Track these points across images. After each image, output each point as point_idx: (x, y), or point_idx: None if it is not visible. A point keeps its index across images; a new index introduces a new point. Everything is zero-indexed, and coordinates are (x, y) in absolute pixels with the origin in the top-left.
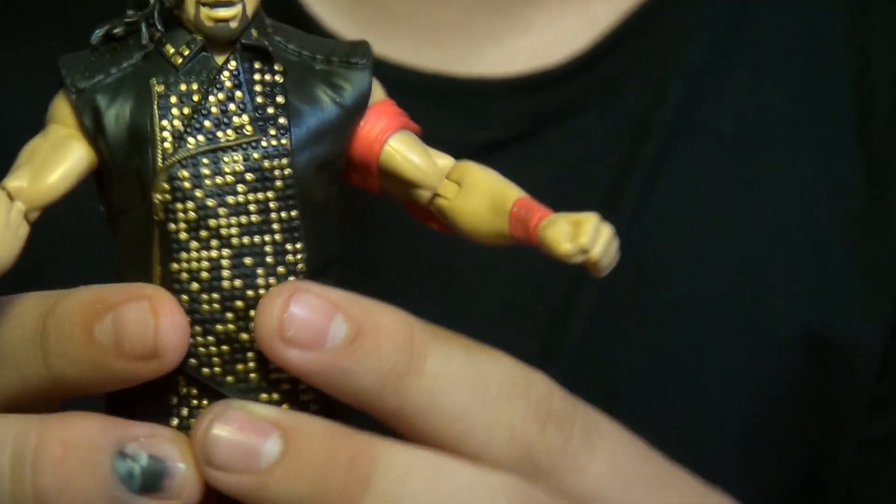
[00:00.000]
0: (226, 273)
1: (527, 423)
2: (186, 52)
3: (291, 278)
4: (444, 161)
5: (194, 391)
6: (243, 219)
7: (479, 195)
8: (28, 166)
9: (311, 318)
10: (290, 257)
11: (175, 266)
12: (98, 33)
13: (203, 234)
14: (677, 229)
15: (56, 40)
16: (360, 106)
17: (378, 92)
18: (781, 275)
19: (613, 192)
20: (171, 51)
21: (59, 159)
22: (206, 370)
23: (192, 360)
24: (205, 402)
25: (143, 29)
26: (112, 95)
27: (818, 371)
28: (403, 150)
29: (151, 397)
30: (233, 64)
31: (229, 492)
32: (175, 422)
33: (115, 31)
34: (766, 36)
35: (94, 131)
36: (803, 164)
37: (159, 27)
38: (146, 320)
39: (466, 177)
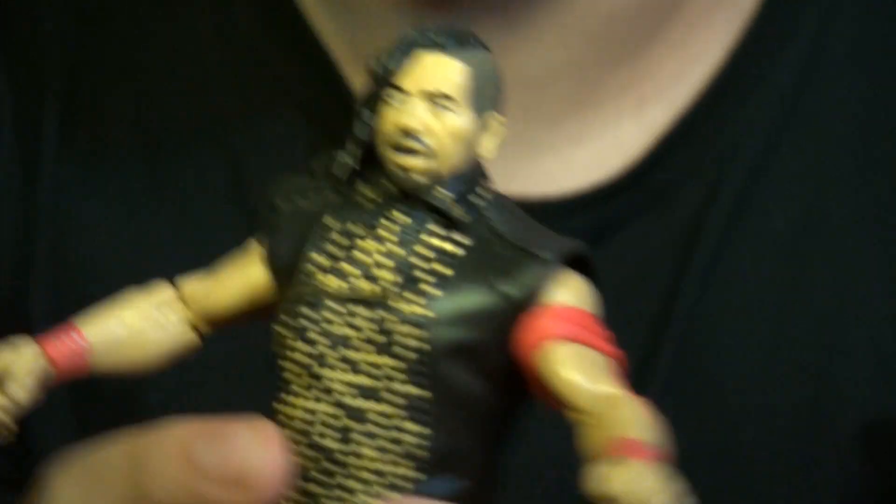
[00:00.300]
0: (325, 430)
1: None
2: (378, 200)
3: (407, 462)
4: (606, 388)
5: None
6: (361, 379)
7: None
8: (209, 275)
9: None
10: (409, 438)
11: (276, 405)
12: (343, 160)
13: (310, 381)
14: (735, 329)
15: (132, 159)
16: (526, 301)
17: (568, 296)
18: (845, 373)
19: (670, 295)
20: (366, 193)
21: (237, 275)
22: None
23: None
24: None
25: (341, 160)
26: (293, 220)
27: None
28: (554, 362)
29: None
30: (405, 219)
31: None
32: None
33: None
34: (819, 129)
35: (269, 250)
36: (861, 258)
37: (354, 165)
38: (255, 449)
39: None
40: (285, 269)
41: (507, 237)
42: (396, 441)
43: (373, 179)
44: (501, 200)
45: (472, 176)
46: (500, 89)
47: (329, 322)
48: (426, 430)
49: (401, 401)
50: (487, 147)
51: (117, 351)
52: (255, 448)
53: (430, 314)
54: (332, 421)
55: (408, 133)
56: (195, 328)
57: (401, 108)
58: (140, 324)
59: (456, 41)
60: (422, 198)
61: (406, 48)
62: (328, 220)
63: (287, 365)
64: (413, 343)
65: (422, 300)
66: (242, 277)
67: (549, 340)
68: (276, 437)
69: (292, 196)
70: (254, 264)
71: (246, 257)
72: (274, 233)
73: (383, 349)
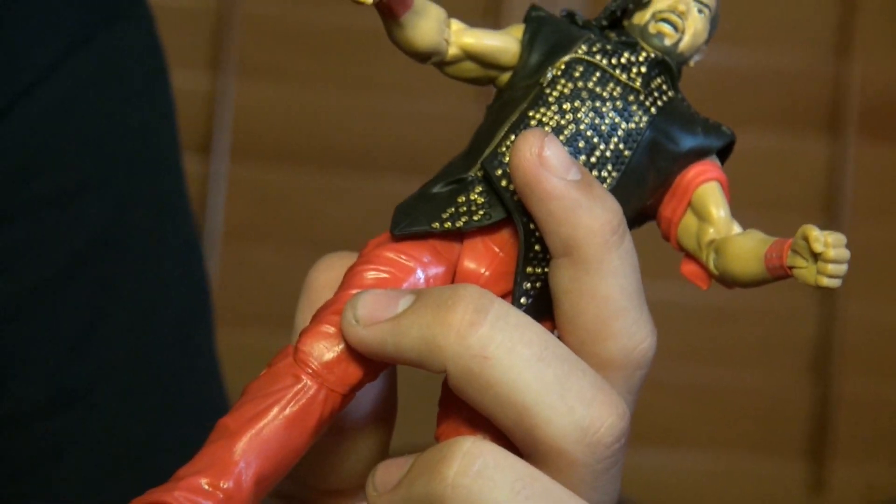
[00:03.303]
0: (561, 137)
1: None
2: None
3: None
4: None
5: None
6: (597, 121)
7: (746, 237)
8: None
9: (562, 154)
10: (604, 172)
11: (531, 113)
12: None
13: (565, 105)
14: None
15: None
16: (706, 150)
17: (719, 161)
18: None
19: None
20: (614, 37)
21: (496, 35)
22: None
23: (498, 171)
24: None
25: (610, 7)
26: (556, 27)
27: None
28: (716, 193)
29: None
30: (649, 59)
31: None
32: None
33: None
34: None
35: (531, 34)
36: None
37: (617, 12)
38: None
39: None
40: (550, 47)
41: (694, 109)
42: (600, 167)
43: (619, 33)
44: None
45: (681, 67)
46: (714, 32)
47: (592, 80)
48: (616, 175)
49: (616, 149)
50: (694, 60)
51: (417, 16)
52: None
53: (653, 111)
54: (569, 134)
55: (675, 12)
56: (447, 44)
57: None
58: (434, 12)
59: None
60: (663, 56)
61: None
62: (591, 35)
63: (551, 92)
64: (638, 122)
65: (650, 102)
66: (499, 37)
67: (712, 179)
68: None
69: (552, 17)
70: (511, 38)
71: (506, 33)
72: (539, 24)
73: (622, 112)
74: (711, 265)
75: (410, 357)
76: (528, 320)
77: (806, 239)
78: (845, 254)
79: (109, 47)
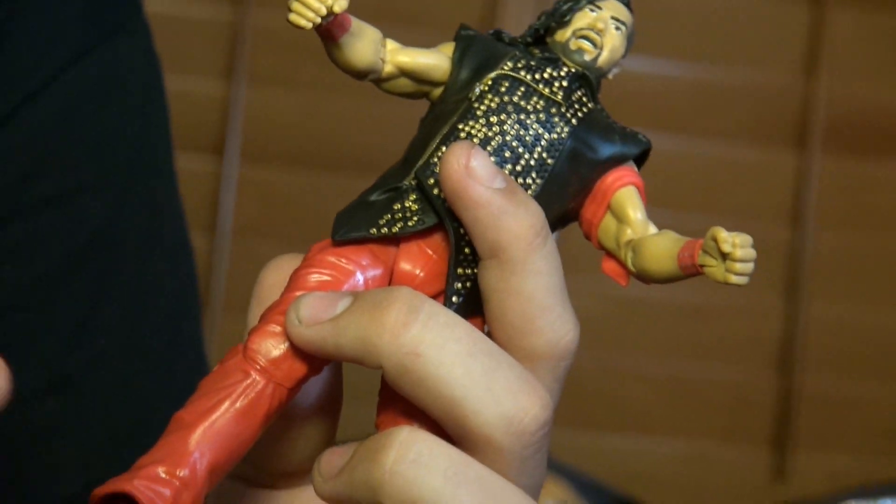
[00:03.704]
0: (486, 149)
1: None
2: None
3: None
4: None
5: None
6: (522, 132)
7: (661, 238)
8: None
9: (488, 164)
10: (529, 180)
11: (461, 126)
12: None
13: (492, 118)
14: None
15: None
16: (622, 157)
17: (636, 167)
18: None
19: None
20: (537, 53)
21: (427, 53)
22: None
23: (431, 179)
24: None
25: (534, 25)
26: (483, 45)
27: None
28: (633, 196)
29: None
30: (569, 73)
31: None
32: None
33: None
34: None
35: (461, 51)
36: None
37: (540, 31)
38: None
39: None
40: (475, 71)
41: (612, 119)
42: (523, 175)
43: (542, 50)
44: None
45: (600, 80)
46: (630, 47)
47: (516, 95)
48: (541, 182)
49: (537, 161)
50: (614, 72)
51: (354, 37)
52: None
53: (574, 122)
54: (494, 145)
55: (594, 29)
56: (383, 63)
57: (596, 16)
58: (370, 34)
59: (629, 4)
60: (583, 70)
61: None
62: (516, 52)
63: (478, 106)
64: (558, 138)
65: (571, 113)
66: (431, 55)
67: (629, 184)
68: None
69: (480, 36)
70: (442, 55)
71: (437, 51)
72: (468, 42)
73: (544, 125)
74: (629, 263)
75: (349, 355)
76: (457, 319)
77: (715, 240)
78: (751, 253)
79: (109, 59)
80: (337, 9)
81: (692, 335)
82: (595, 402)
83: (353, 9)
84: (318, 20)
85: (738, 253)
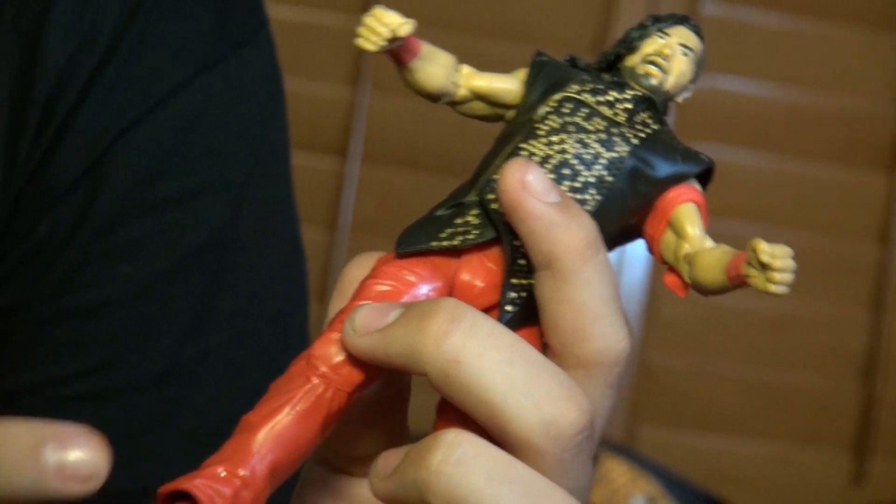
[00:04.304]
0: (545, 166)
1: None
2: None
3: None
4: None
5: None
6: (582, 151)
7: (714, 251)
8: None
9: (543, 179)
10: (587, 196)
11: (523, 145)
12: None
13: (553, 138)
14: None
15: None
16: (683, 176)
17: (699, 185)
18: None
19: None
20: (606, 77)
21: (501, 77)
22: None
23: (490, 195)
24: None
25: (605, 52)
26: (555, 69)
27: None
28: (691, 213)
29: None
30: (635, 97)
31: None
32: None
33: None
34: None
35: (533, 74)
36: None
37: (611, 58)
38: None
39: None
40: (546, 87)
41: (677, 139)
42: (580, 191)
43: (613, 75)
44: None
45: (667, 103)
46: (700, 71)
47: (579, 116)
48: (599, 198)
49: (598, 180)
50: (682, 97)
51: (424, 62)
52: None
53: (635, 142)
54: (554, 164)
55: (661, 55)
56: (456, 86)
57: (664, 42)
58: (441, 59)
59: (700, 32)
60: (649, 94)
61: (676, 20)
62: (584, 76)
63: (541, 126)
64: (619, 155)
65: (632, 134)
66: (504, 79)
67: (688, 201)
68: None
69: (553, 61)
70: (516, 79)
71: (511, 75)
72: (541, 68)
73: (604, 144)
74: (686, 276)
75: (398, 362)
76: (499, 329)
77: (755, 251)
78: (790, 264)
79: (234, 70)
80: (402, 33)
81: (780, 343)
82: (686, 403)
83: (470, 27)
84: (384, 43)
85: (777, 263)
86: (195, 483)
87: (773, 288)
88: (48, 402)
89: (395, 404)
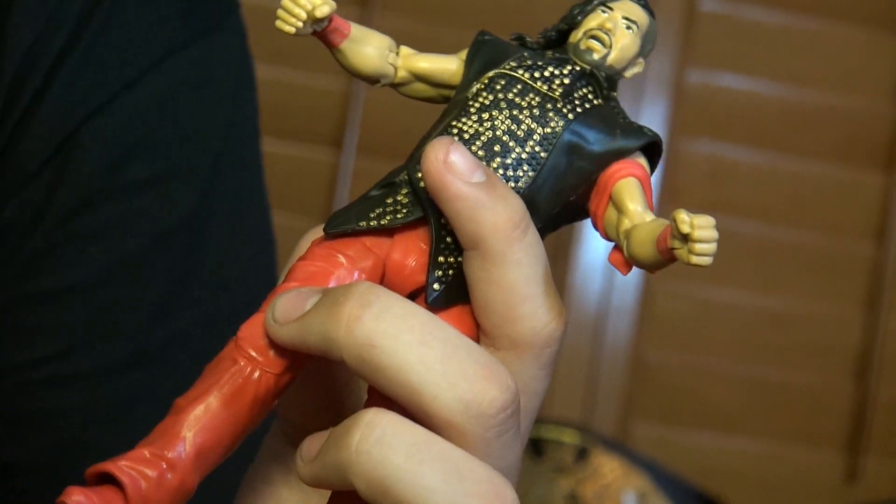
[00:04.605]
0: (475, 143)
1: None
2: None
3: (510, 184)
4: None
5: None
6: (513, 127)
7: (649, 225)
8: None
9: (467, 159)
10: (520, 172)
11: (454, 122)
12: None
13: (484, 115)
14: None
15: None
16: (625, 150)
17: (643, 159)
18: None
19: None
20: (550, 54)
21: (440, 58)
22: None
23: (418, 174)
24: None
25: (546, 32)
26: (493, 46)
27: None
28: (632, 188)
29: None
30: (577, 72)
31: None
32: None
33: None
34: None
35: (471, 53)
36: None
37: (553, 36)
38: None
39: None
40: (483, 65)
41: (624, 113)
42: (512, 171)
43: (557, 51)
44: (619, 103)
45: (614, 79)
46: (651, 46)
47: (512, 92)
48: (532, 174)
49: (530, 156)
50: (630, 71)
51: (356, 43)
52: None
53: (571, 117)
54: (483, 140)
55: (603, 29)
56: (394, 68)
57: (606, 17)
58: (375, 40)
59: (647, 6)
60: (591, 69)
61: None
62: (523, 53)
63: (472, 104)
64: (553, 130)
65: (569, 109)
66: (443, 59)
67: (628, 175)
68: None
69: (495, 39)
70: (457, 59)
71: (454, 56)
72: (480, 46)
73: (537, 119)
74: (626, 252)
75: (316, 350)
76: (413, 309)
77: (675, 221)
78: (712, 234)
79: (204, 54)
80: (318, 14)
81: (774, 340)
82: (679, 399)
83: (473, 23)
84: (300, 25)
85: (696, 234)
86: (119, 465)
87: (695, 259)
88: (15, 387)
89: (344, 378)
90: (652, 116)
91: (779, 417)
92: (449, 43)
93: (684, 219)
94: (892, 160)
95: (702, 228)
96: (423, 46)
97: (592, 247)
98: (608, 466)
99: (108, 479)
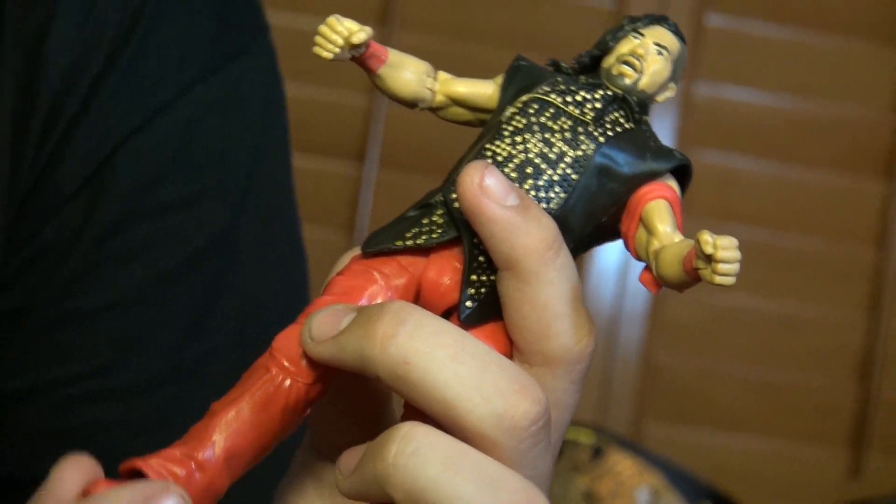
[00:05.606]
0: (507, 165)
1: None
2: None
3: (542, 205)
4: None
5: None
6: (545, 150)
7: (677, 245)
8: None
9: (501, 182)
10: (552, 194)
11: (488, 146)
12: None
13: (517, 138)
14: None
15: None
16: (655, 173)
17: (674, 182)
18: None
19: None
20: (583, 80)
21: (477, 82)
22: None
23: (453, 195)
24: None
25: (580, 57)
26: (529, 72)
27: None
28: (661, 209)
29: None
30: (608, 96)
31: None
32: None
33: None
34: None
35: (507, 77)
36: None
37: (586, 61)
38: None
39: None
40: (518, 89)
41: (655, 137)
42: (543, 193)
43: (590, 76)
44: (651, 127)
45: (645, 103)
46: (682, 71)
47: (544, 116)
48: (564, 196)
49: (562, 177)
50: (662, 96)
51: (394, 69)
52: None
53: (602, 140)
54: (516, 163)
55: (635, 55)
56: (432, 92)
57: (638, 42)
58: (412, 65)
59: (678, 32)
60: (622, 93)
61: (651, 20)
62: (557, 78)
63: (506, 128)
64: (584, 154)
65: (601, 134)
66: (480, 84)
67: (658, 197)
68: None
69: (531, 65)
70: (493, 83)
71: (490, 80)
72: (516, 71)
73: (569, 140)
74: (655, 272)
75: (352, 367)
76: (445, 326)
77: (698, 243)
78: (735, 255)
79: (234, 77)
80: (355, 40)
81: (781, 343)
82: (690, 399)
83: (485, 37)
84: (338, 51)
85: (720, 254)
86: (149, 462)
87: (718, 279)
88: (51, 404)
89: (376, 395)
90: (661, 128)
91: (785, 417)
92: (467, 60)
93: (707, 240)
94: (893, 169)
95: (725, 249)
96: (441, 63)
97: (605, 254)
98: (623, 465)
99: (139, 476)
